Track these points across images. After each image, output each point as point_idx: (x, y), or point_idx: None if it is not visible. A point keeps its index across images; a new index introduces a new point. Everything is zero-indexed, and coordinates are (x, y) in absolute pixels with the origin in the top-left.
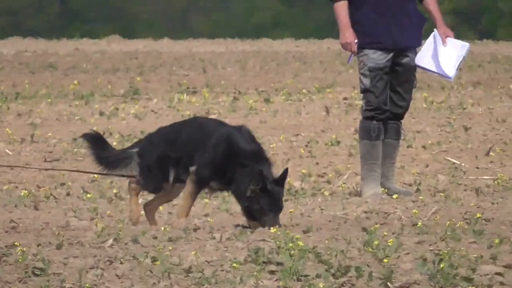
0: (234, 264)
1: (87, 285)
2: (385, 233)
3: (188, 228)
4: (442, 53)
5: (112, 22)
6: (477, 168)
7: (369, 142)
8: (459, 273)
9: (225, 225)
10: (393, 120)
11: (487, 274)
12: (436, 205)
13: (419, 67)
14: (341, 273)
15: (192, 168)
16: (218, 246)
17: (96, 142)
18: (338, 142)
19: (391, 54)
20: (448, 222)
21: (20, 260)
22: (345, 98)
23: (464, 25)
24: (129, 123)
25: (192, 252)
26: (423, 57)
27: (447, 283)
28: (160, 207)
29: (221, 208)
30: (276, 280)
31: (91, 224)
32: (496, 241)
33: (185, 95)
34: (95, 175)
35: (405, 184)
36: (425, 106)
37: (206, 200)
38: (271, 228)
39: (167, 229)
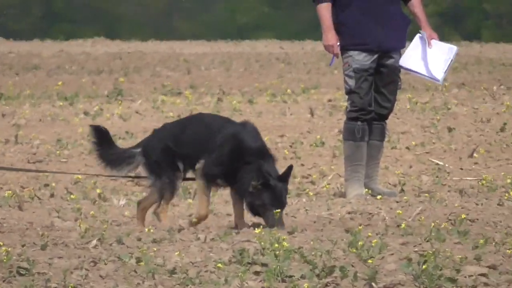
0: (219, 265)
1: (71, 285)
2: (369, 233)
3: (173, 229)
4: (429, 56)
5: (96, 24)
6: (461, 169)
7: (354, 143)
8: (443, 273)
9: (209, 226)
10: (377, 121)
11: (472, 275)
12: (420, 205)
13: (405, 68)
14: (325, 273)
15: (199, 165)
16: (202, 247)
17: (102, 137)
18: (323, 143)
19: (376, 56)
20: (433, 223)
21: (4, 260)
22: (329, 100)
23: (448, 26)
24: (113, 124)
25: (176, 253)
26: (409, 59)
27: (431, 284)
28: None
29: None
30: (261, 281)
31: (75, 225)
32: (481, 241)
33: (168, 97)
34: (79, 176)
35: (389, 185)
36: (409, 107)
37: (190, 201)
38: (276, 226)
39: (151, 230)
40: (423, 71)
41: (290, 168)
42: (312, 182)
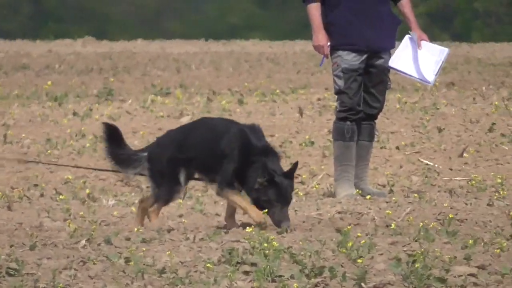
0: (208, 265)
1: (60, 285)
2: (358, 233)
3: (162, 229)
4: (419, 58)
5: (85, 23)
6: (451, 169)
7: (343, 143)
8: (432, 273)
9: (199, 226)
10: (366, 121)
11: (461, 275)
12: (409, 206)
13: (394, 69)
14: (315, 273)
15: (217, 185)
16: (192, 247)
17: (112, 135)
18: (312, 143)
19: (365, 56)
20: (422, 223)
21: None
22: (318, 99)
23: (437, 27)
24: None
25: (166, 253)
26: (399, 60)
27: (420, 284)
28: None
29: (195, 208)
30: (250, 280)
31: (64, 225)
32: (470, 242)
33: (158, 97)
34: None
35: (378, 185)
36: (398, 107)
37: (180, 201)
38: (282, 222)
39: (140, 230)
40: (413, 72)
41: (295, 164)
42: (302, 182)
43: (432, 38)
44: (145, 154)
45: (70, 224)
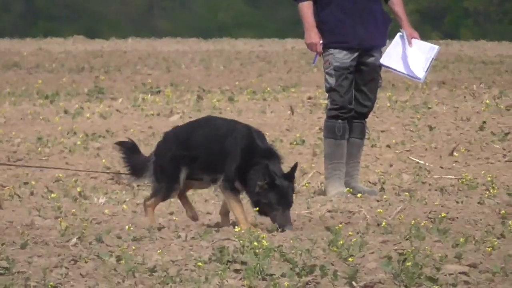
0: (199, 263)
1: (51, 284)
2: (349, 232)
3: (153, 227)
4: (410, 55)
5: (76, 22)
6: (442, 167)
7: (334, 141)
8: (423, 272)
9: (189, 224)
10: (358, 119)
11: (452, 273)
12: (400, 204)
13: (386, 67)
14: (305, 272)
15: (220, 181)
16: (182, 245)
17: (129, 149)
18: (303, 141)
19: (357, 54)
20: (413, 221)
21: None
22: (309, 98)
23: (428, 25)
24: (93, 122)
25: (157, 251)
26: (390, 58)
27: (411, 282)
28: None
29: None
30: (241, 279)
31: (55, 223)
32: (461, 240)
33: (149, 95)
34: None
35: (369, 183)
36: (389, 105)
37: (171, 199)
38: (284, 226)
39: (131, 228)
40: (404, 69)
41: (295, 166)
42: None
43: (423, 37)
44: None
45: (61, 222)
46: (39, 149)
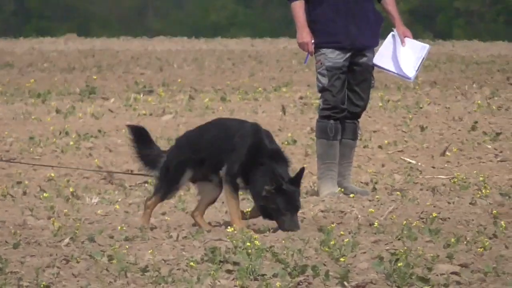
0: (191, 263)
1: (43, 283)
2: (341, 232)
3: (145, 227)
4: (401, 54)
5: (68, 21)
6: (433, 167)
7: (326, 142)
8: (415, 272)
9: (181, 224)
10: (350, 119)
11: (443, 274)
12: (392, 204)
13: (378, 67)
14: (297, 272)
15: (223, 170)
16: (174, 245)
17: (140, 136)
18: (295, 141)
19: (349, 54)
20: (405, 221)
21: None
22: (301, 97)
23: (420, 25)
24: (85, 121)
25: (149, 251)
26: (382, 57)
27: (403, 283)
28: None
29: (178, 207)
30: (233, 279)
31: (48, 223)
32: (452, 240)
33: (141, 95)
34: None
35: (361, 183)
36: (381, 105)
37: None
38: (291, 230)
39: (124, 228)
40: (394, 68)
41: (302, 170)
42: None
43: (415, 36)
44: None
45: (54, 222)
46: (31, 149)
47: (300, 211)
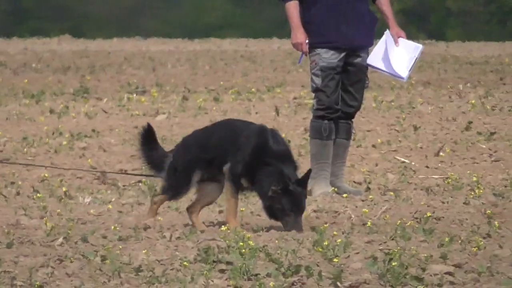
0: (185, 263)
1: (37, 283)
2: (335, 232)
3: (138, 227)
4: (394, 54)
5: (62, 21)
6: (427, 167)
7: (320, 142)
8: (409, 272)
9: (175, 224)
10: (344, 120)
11: (437, 274)
12: (386, 204)
13: (372, 67)
14: (291, 272)
15: (226, 167)
16: (168, 245)
17: (147, 137)
18: (288, 142)
19: (343, 54)
20: (398, 221)
21: None
22: (294, 98)
23: (414, 25)
24: (79, 122)
25: (143, 251)
26: (376, 57)
27: (397, 282)
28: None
29: (171, 207)
30: (227, 279)
31: (41, 223)
32: (446, 240)
33: (134, 95)
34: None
35: (355, 183)
36: (374, 105)
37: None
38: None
39: (117, 228)
40: (388, 69)
41: (309, 172)
42: None
43: (409, 37)
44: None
45: (47, 222)
46: (25, 149)
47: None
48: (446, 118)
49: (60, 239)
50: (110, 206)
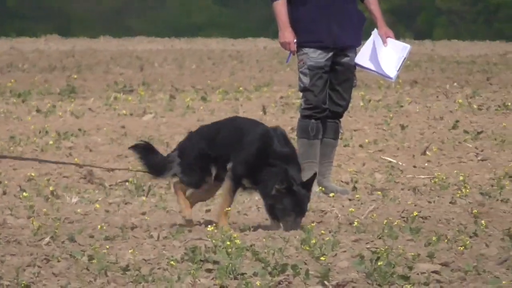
0: (171, 262)
1: (24, 283)
2: (322, 231)
3: (125, 226)
4: (383, 54)
5: (48, 21)
6: (414, 166)
7: (307, 141)
8: (396, 271)
9: (162, 224)
10: (332, 119)
11: (424, 272)
12: (373, 203)
13: (360, 66)
14: (278, 271)
15: (229, 165)
16: (155, 245)
17: (145, 151)
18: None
19: (331, 53)
20: (385, 221)
21: None
22: (281, 97)
23: (401, 24)
24: (66, 121)
25: (129, 251)
26: (364, 57)
27: (384, 281)
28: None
29: (158, 206)
30: (213, 278)
31: (27, 222)
32: (433, 239)
33: (121, 94)
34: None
35: (342, 182)
36: (362, 104)
37: (144, 198)
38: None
39: (104, 227)
40: (376, 68)
41: (314, 175)
42: None
43: (396, 36)
44: (176, 152)
45: (34, 221)
46: (12, 148)
47: None
48: (433, 117)
49: (47, 239)
50: (97, 206)
